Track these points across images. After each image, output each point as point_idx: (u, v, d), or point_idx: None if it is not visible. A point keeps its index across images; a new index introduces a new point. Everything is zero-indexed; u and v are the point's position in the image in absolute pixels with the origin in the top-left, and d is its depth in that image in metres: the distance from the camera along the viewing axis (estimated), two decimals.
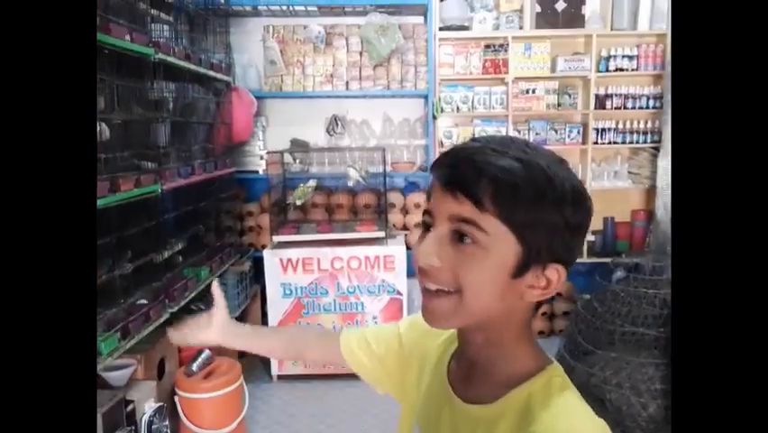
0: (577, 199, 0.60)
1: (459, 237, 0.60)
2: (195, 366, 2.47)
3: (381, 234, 3.23)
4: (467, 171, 0.58)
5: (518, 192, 0.57)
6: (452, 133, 3.77)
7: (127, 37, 1.92)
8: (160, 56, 2.14)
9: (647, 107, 3.73)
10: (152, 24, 2.39)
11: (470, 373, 0.69)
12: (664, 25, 3.67)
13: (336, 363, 0.93)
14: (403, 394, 0.85)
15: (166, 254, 2.33)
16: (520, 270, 0.60)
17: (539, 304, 0.65)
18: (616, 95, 3.74)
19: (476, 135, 3.74)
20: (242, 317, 3.37)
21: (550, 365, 0.65)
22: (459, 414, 0.68)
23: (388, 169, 3.63)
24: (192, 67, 2.50)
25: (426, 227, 0.64)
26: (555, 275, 0.61)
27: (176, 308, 2.27)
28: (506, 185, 0.57)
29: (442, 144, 3.75)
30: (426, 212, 0.64)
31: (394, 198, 3.73)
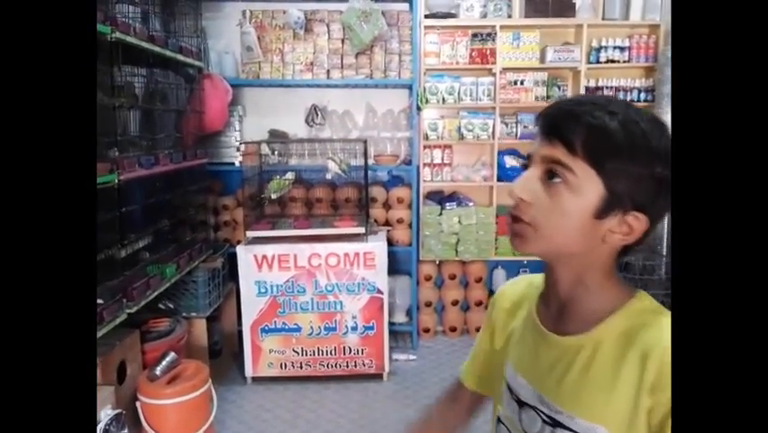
0: (668, 157, 0.62)
1: (550, 177, 0.67)
2: (158, 370, 2.33)
3: (361, 229, 3.08)
4: (563, 119, 0.66)
5: (608, 140, 0.63)
6: (437, 125, 3.62)
7: None
8: (118, 35, 1.97)
9: (639, 100, 3.61)
10: (118, 5, 2.23)
11: (561, 312, 0.73)
12: (657, 16, 3.55)
13: (476, 409, 0.96)
14: None
15: (126, 250, 2.17)
16: (602, 212, 0.65)
17: (625, 250, 0.70)
18: (607, 87, 3.62)
19: (461, 128, 3.60)
20: (215, 316, 3.22)
21: (638, 293, 0.70)
22: (554, 347, 0.72)
23: (371, 162, 3.48)
24: (156, 49, 2.32)
25: (526, 169, 0.72)
26: (636, 222, 0.66)
27: (134, 309, 2.11)
28: (597, 132, 0.64)
29: (426, 137, 3.61)
30: (528, 156, 0.71)
31: (376, 192, 3.59)
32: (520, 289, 0.86)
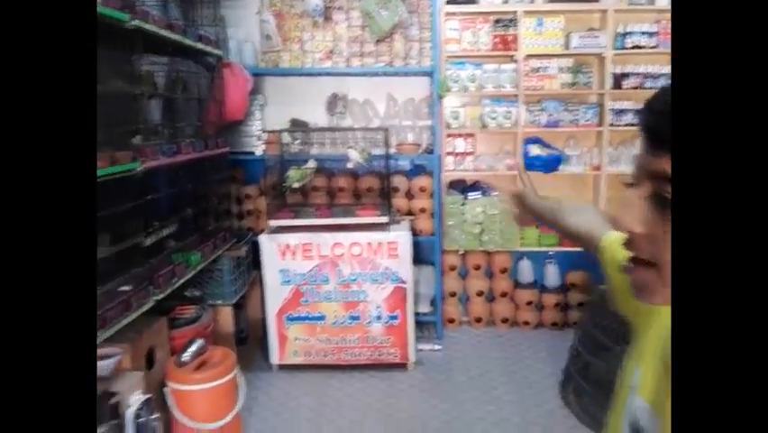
0: None
1: (660, 200, 0.50)
2: (186, 356, 2.34)
3: (384, 219, 3.07)
4: (667, 116, 0.47)
5: None
6: (459, 113, 3.58)
7: None
8: (136, 23, 1.96)
9: None
10: None
11: None
12: None
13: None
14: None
15: (152, 238, 2.18)
16: None
17: None
18: (633, 74, 3.54)
19: (484, 116, 3.55)
20: (240, 304, 3.24)
21: None
22: None
23: (392, 151, 3.46)
24: (176, 38, 2.32)
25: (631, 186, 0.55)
26: None
27: (161, 296, 2.13)
28: None
29: (448, 126, 3.57)
30: (636, 169, 0.54)
31: (398, 181, 3.57)
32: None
